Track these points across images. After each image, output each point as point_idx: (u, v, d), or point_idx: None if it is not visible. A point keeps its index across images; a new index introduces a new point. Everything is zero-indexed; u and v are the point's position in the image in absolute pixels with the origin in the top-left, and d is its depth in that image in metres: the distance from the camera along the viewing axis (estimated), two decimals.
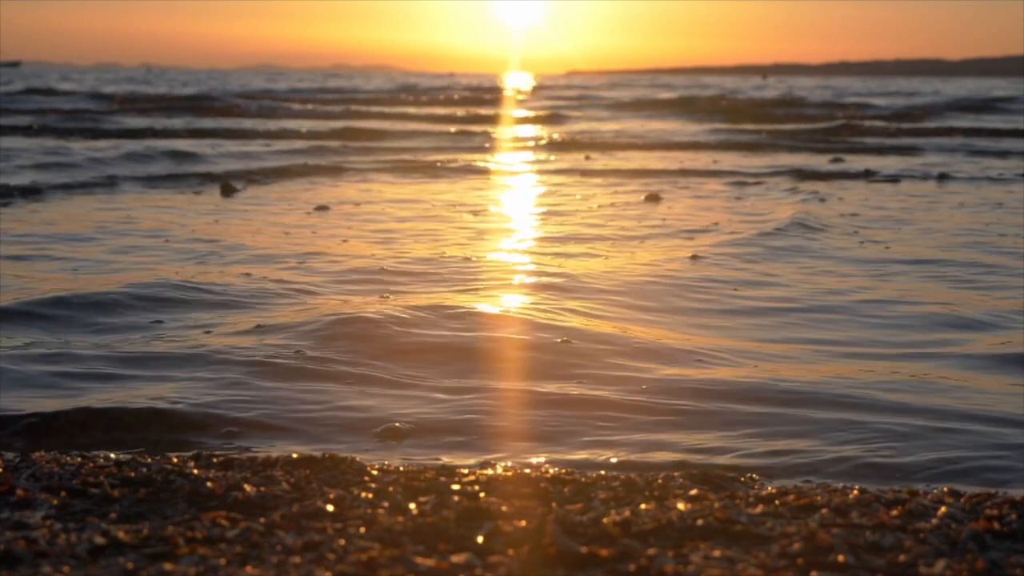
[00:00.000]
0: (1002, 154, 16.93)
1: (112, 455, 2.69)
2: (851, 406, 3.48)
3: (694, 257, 6.48)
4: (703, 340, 4.42)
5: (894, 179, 12.68)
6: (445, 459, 3.01)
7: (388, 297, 5.12)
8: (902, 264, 6.53)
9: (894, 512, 2.27)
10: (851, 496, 2.38)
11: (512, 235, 7.66)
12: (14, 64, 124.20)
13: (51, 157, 12.85)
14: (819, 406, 3.49)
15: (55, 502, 2.28)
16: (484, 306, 4.82)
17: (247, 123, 22.26)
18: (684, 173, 13.32)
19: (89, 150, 14.08)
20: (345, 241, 7.15)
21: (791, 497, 2.37)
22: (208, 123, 21.71)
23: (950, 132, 22.55)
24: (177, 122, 21.79)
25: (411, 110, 30.76)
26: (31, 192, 9.81)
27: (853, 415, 3.39)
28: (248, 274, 5.70)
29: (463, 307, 4.74)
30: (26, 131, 18.13)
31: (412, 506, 2.27)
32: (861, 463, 3.00)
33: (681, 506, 2.28)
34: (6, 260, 6.22)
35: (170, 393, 3.52)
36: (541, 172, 13.46)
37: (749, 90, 55.28)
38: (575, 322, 4.60)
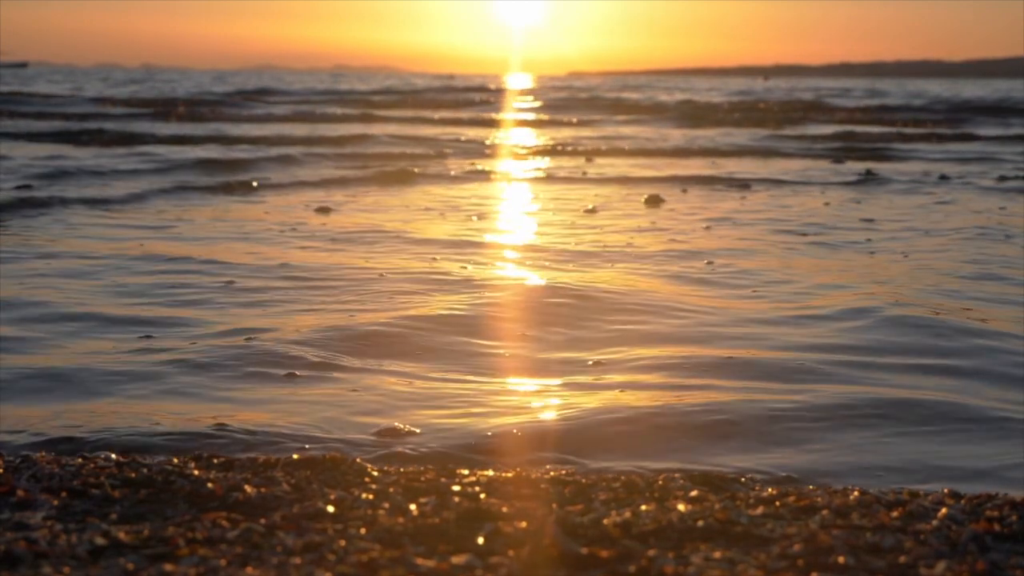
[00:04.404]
0: (967, 158, 16.89)
1: (113, 455, 2.69)
2: None
3: None
4: None
5: None
6: None
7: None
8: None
9: (894, 513, 2.27)
10: (851, 497, 2.38)
11: (529, 242, 7.66)
12: (22, 65, 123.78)
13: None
14: None
15: (56, 503, 2.28)
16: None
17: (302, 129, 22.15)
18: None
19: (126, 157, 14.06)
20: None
21: (791, 498, 2.37)
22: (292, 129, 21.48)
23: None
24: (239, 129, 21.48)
25: (414, 112, 30.74)
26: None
27: None
28: None
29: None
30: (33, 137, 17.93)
31: (412, 507, 2.27)
32: None
33: (681, 507, 2.28)
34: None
35: None
36: (543, 175, 13.45)
37: (759, 92, 55.03)
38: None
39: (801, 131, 23.95)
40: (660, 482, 2.51)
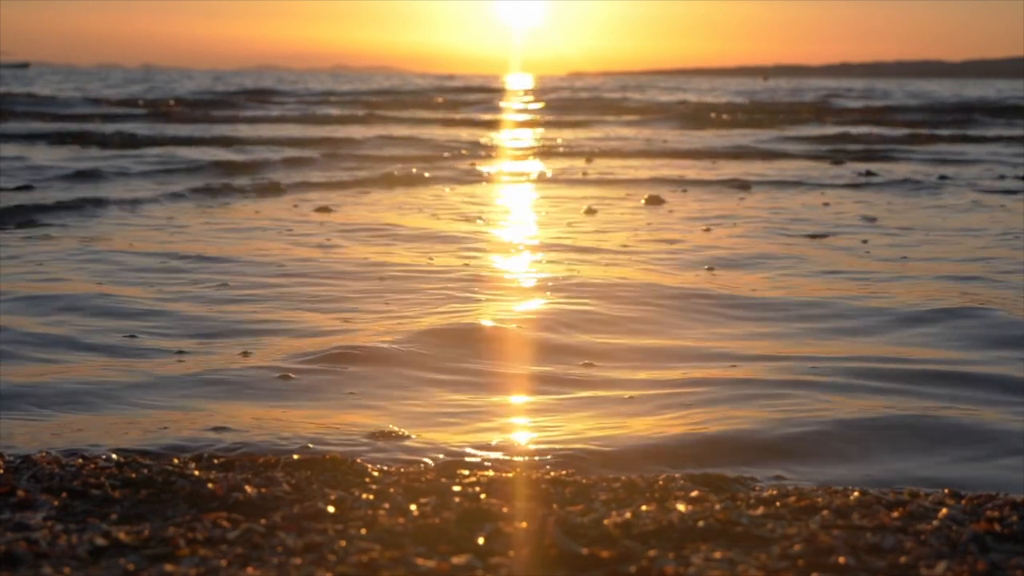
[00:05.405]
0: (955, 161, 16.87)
1: (113, 456, 2.69)
2: None
3: None
4: None
5: None
6: None
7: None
8: None
9: (895, 514, 2.27)
10: (852, 498, 2.38)
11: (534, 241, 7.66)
12: (23, 65, 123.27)
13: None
14: None
15: (56, 503, 2.28)
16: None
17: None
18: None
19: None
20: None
21: (792, 499, 2.37)
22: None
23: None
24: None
25: (415, 113, 30.73)
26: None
27: None
28: None
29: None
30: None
31: (413, 507, 2.27)
32: None
33: (682, 508, 2.28)
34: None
35: None
36: (544, 176, 13.44)
37: (760, 92, 54.88)
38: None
39: (801, 132, 23.90)
40: (660, 483, 2.51)
